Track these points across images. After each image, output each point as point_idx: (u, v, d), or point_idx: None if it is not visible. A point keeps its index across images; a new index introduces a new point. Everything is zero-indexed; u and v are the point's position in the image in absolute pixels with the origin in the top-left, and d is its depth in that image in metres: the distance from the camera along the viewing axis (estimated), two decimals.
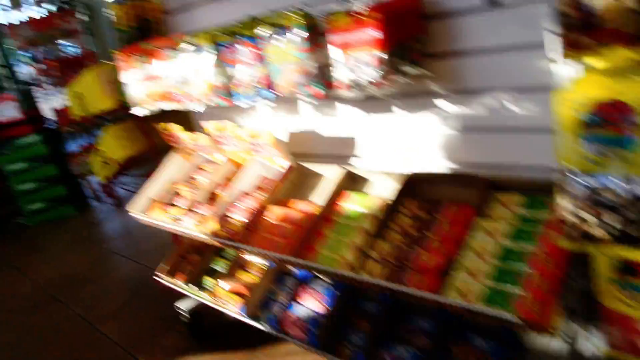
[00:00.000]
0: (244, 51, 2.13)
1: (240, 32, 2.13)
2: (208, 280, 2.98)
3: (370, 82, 1.81)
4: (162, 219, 2.83)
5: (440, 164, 2.16)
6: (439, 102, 2.05)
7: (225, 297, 2.75)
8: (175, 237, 3.70)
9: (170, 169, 3.25)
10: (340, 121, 2.47)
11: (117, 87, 3.29)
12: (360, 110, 2.36)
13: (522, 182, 1.89)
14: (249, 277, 2.82)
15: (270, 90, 2.13)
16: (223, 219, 2.56)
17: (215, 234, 2.48)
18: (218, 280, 2.87)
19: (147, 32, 3.00)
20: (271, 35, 2.01)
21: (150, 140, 3.53)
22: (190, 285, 2.99)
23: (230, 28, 2.18)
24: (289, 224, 2.33)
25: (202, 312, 3.20)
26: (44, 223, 6.53)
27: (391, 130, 2.27)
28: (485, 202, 1.91)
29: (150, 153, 3.71)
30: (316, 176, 2.60)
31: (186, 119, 3.30)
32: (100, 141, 3.71)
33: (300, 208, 2.41)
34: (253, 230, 2.42)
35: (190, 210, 2.77)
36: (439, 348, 2.09)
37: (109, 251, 5.29)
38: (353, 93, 1.91)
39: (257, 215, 2.48)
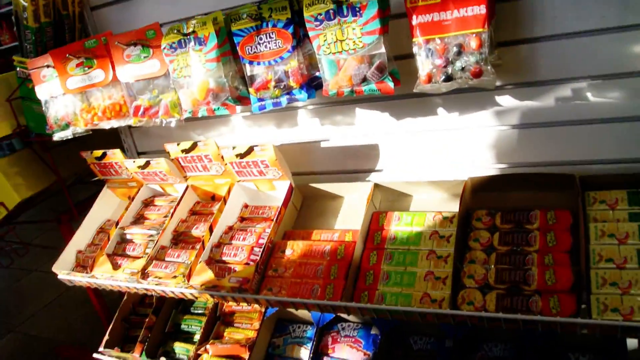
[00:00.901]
0: (270, 39, 1.61)
1: (264, 14, 1.61)
2: (180, 347, 2.30)
3: (466, 70, 1.44)
4: (117, 278, 2.10)
5: (500, 166, 1.87)
6: (502, 95, 1.76)
7: None
8: (95, 296, 2.91)
9: (102, 210, 2.50)
10: (361, 128, 2.05)
11: (12, 107, 2.45)
12: (391, 112, 1.97)
13: (612, 177, 1.67)
14: (240, 332, 2.23)
15: (309, 88, 1.64)
16: (219, 264, 1.96)
17: (216, 287, 1.87)
18: (199, 345, 2.22)
19: (63, 30, 2.26)
20: (323, 16, 1.53)
21: (56, 175, 2.70)
22: (146, 358, 2.28)
23: (247, 9, 1.64)
24: (321, 261, 1.84)
25: None
26: None
27: (435, 132, 1.92)
28: (579, 203, 1.65)
29: (52, 191, 2.87)
30: (330, 198, 2.13)
31: (110, 143, 2.58)
32: None
33: (330, 238, 1.92)
34: (271, 275, 1.87)
35: (156, 259, 2.09)
36: None
37: None
38: (435, 86, 1.52)
39: (271, 255, 1.93)
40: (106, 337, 2.42)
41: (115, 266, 2.15)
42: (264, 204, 2.17)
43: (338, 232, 1.94)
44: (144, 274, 2.04)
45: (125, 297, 2.53)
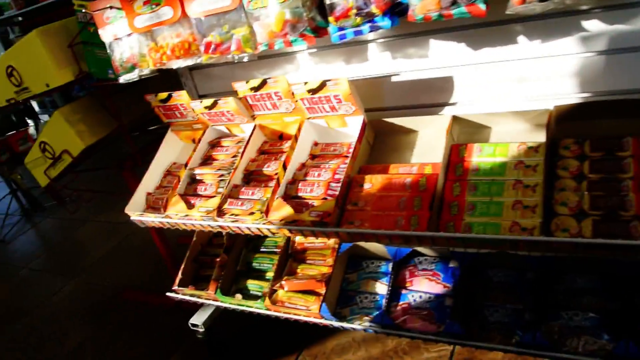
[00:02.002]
0: None
1: None
2: (253, 284, 2.35)
3: None
4: (192, 217, 2.13)
5: (584, 95, 1.80)
6: (588, 20, 1.67)
7: (292, 301, 2.16)
8: (160, 240, 2.97)
9: (167, 153, 2.52)
10: (435, 61, 1.99)
11: (74, 53, 2.44)
12: (468, 42, 1.89)
13: None
14: (314, 268, 2.26)
15: (393, 15, 1.57)
16: (295, 200, 1.96)
17: (296, 222, 1.87)
18: (274, 281, 2.25)
19: None
20: None
21: (118, 121, 2.71)
22: (221, 295, 2.33)
23: None
24: (402, 194, 1.82)
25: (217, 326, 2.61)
26: None
27: (515, 62, 1.85)
28: None
29: (114, 138, 2.89)
30: (404, 132, 2.09)
31: (169, 89, 2.57)
32: (44, 130, 2.79)
33: (408, 172, 1.90)
34: (351, 208, 1.87)
35: (231, 197, 2.10)
36: (620, 305, 1.75)
37: (34, 272, 4.25)
38: (530, 7, 1.44)
39: (349, 189, 1.92)
40: (179, 276, 2.48)
41: (189, 205, 2.18)
42: (334, 140, 2.15)
43: (416, 165, 1.91)
44: (220, 211, 2.06)
45: (194, 238, 2.57)
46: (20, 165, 4.99)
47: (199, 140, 2.37)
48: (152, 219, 2.27)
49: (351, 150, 2.06)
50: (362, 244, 2.20)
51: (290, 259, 2.33)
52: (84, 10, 2.23)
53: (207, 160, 2.36)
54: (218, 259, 2.42)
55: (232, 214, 2.03)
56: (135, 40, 2.15)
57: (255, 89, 2.10)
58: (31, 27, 2.56)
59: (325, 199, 1.92)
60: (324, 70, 2.23)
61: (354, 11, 1.62)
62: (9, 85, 2.66)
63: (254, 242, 2.50)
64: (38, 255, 4.54)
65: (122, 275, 3.73)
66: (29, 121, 6.93)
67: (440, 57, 1.98)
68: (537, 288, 1.88)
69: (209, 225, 2.11)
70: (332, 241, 2.26)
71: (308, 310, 2.10)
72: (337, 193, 1.89)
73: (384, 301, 2.05)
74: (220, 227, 2.09)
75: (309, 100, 2.03)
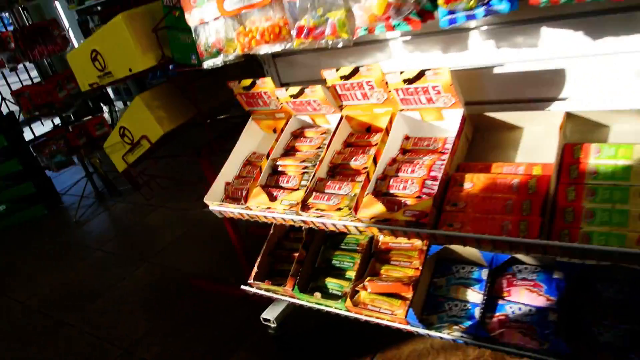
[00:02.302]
0: None
1: None
2: (332, 282, 2.24)
3: None
4: (274, 210, 2.04)
5: None
6: None
7: (376, 304, 2.04)
8: (233, 231, 2.91)
9: (247, 142, 2.44)
10: (544, 52, 1.80)
11: (158, 37, 2.40)
12: (586, 31, 1.70)
13: None
14: (399, 270, 2.12)
15: None
16: (386, 198, 1.83)
17: (388, 221, 1.74)
18: (356, 281, 2.14)
19: None
20: None
21: (197, 108, 2.66)
22: (299, 292, 2.23)
23: None
24: (509, 196, 1.65)
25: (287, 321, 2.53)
26: (11, 227, 5.38)
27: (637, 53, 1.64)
28: None
29: (191, 125, 2.85)
30: (507, 128, 1.92)
31: (249, 74, 2.49)
32: (124, 115, 2.78)
33: (514, 172, 1.73)
34: (450, 209, 1.72)
35: (316, 191, 2.00)
36: None
37: (106, 255, 4.33)
38: None
39: (447, 188, 1.77)
40: (255, 269, 2.41)
41: (271, 198, 2.09)
42: (428, 134, 2.01)
43: (523, 165, 1.74)
44: (304, 205, 1.96)
45: (272, 231, 2.49)
46: (97, 150, 5.12)
47: (282, 130, 2.28)
48: (232, 210, 2.21)
49: (448, 145, 1.92)
50: (453, 247, 2.05)
51: (373, 259, 2.21)
52: None
53: (289, 151, 2.27)
54: (296, 254, 2.33)
55: (317, 209, 1.93)
56: (221, 25, 2.07)
57: (346, 77, 1.98)
58: (110, 16, 2.55)
59: (420, 197, 1.78)
60: (418, 59, 2.09)
61: None
62: (92, 69, 2.66)
63: (334, 238, 2.39)
64: (110, 238, 4.63)
65: (191, 262, 3.72)
66: (104, 107, 7.12)
67: (552, 48, 1.79)
68: None
69: (291, 219, 2.01)
70: (419, 242, 2.11)
71: (393, 314, 1.97)
72: (434, 192, 1.75)
73: (477, 310, 1.90)
74: (304, 222, 1.99)
75: (404, 91, 1.89)
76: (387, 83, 1.91)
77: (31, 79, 5.66)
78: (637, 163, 1.56)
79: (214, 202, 2.27)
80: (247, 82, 2.26)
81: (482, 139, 1.95)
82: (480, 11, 1.48)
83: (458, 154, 1.87)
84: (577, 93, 1.83)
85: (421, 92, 1.86)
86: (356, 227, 1.86)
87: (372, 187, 1.87)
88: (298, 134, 2.31)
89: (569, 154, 1.68)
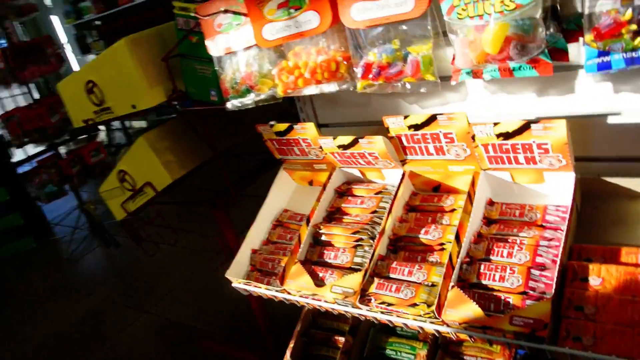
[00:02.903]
0: None
1: None
2: None
3: None
4: (322, 297, 1.58)
5: None
6: None
7: None
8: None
9: (278, 198, 1.99)
10: None
11: (169, 67, 1.94)
12: None
13: None
14: None
15: None
16: (477, 291, 1.38)
17: (487, 330, 1.29)
18: None
19: None
20: None
21: (212, 150, 2.21)
22: None
23: None
24: None
25: None
26: None
27: None
28: None
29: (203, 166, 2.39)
30: (630, 196, 1.48)
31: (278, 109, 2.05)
32: (124, 157, 2.32)
33: None
34: (575, 316, 1.27)
35: (377, 276, 1.54)
36: None
37: (103, 300, 3.83)
38: None
39: (565, 283, 1.32)
40: (288, 357, 1.94)
41: (315, 278, 1.63)
42: (518, 200, 1.56)
43: None
44: (364, 296, 1.50)
45: (306, 308, 2.03)
46: (92, 179, 4.63)
47: (324, 187, 1.82)
48: (263, 292, 1.74)
49: (549, 217, 1.48)
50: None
51: (441, 351, 1.75)
52: (192, 14, 1.72)
53: (334, 214, 1.82)
54: (338, 338, 1.87)
55: (381, 302, 1.47)
56: (255, 56, 1.63)
57: (417, 127, 1.54)
58: (109, 32, 2.09)
59: (525, 293, 1.33)
60: (501, 103, 1.65)
61: (633, 27, 1.02)
62: (88, 103, 2.20)
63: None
64: (105, 280, 4.14)
65: (198, 314, 3.24)
66: (100, 126, 6.63)
67: None
68: None
69: (345, 311, 1.55)
70: None
71: None
72: (544, 287, 1.30)
73: None
74: (362, 315, 1.54)
75: (496, 147, 1.45)
76: (473, 137, 1.46)
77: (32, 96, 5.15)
78: None
79: (239, 278, 1.80)
80: (282, 126, 1.81)
81: (594, 210, 1.50)
82: None
83: (571, 232, 1.42)
84: None
85: (521, 151, 1.42)
86: (438, 331, 1.41)
87: (457, 275, 1.42)
88: (344, 191, 1.86)
89: None
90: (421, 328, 1.44)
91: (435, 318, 1.36)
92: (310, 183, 2.02)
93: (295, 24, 1.43)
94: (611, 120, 1.51)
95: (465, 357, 1.72)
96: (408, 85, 1.36)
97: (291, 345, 1.96)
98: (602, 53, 1.07)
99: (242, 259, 1.87)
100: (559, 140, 1.33)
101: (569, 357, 1.24)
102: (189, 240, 3.87)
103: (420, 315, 1.39)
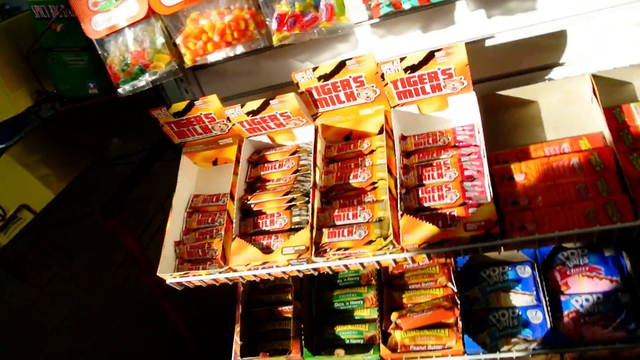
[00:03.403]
0: None
1: None
2: (345, 331, 1.82)
3: None
4: (277, 263, 1.55)
5: None
6: None
7: (420, 342, 1.68)
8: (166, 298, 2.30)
9: (186, 186, 1.88)
10: (540, 15, 1.62)
11: (31, 65, 1.70)
12: None
13: None
14: (424, 294, 1.79)
15: None
16: (426, 214, 1.48)
17: (447, 242, 1.39)
18: (381, 321, 1.75)
19: None
20: None
21: (94, 152, 2.00)
22: (313, 356, 1.77)
23: None
24: (576, 179, 1.42)
25: None
26: None
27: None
28: None
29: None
30: (519, 105, 1.69)
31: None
32: None
33: (558, 152, 1.51)
34: (513, 209, 1.43)
35: (325, 227, 1.56)
36: None
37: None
38: None
39: (496, 186, 1.48)
40: (237, 341, 1.86)
41: (264, 249, 1.59)
42: (426, 129, 1.70)
43: (566, 141, 1.52)
44: (319, 248, 1.51)
45: (241, 288, 1.96)
46: None
47: (238, 158, 1.77)
48: (204, 278, 1.65)
49: (460, 137, 1.63)
50: None
51: (386, 288, 1.84)
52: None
53: (255, 184, 1.78)
54: (283, 309, 1.86)
55: (338, 249, 1.49)
56: (143, 31, 1.51)
57: (327, 76, 1.57)
58: None
59: (464, 204, 1.46)
60: (392, 44, 1.76)
61: None
62: None
63: (323, 277, 1.95)
64: None
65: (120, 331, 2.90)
66: None
67: (547, 10, 1.62)
68: None
69: (302, 270, 1.55)
70: None
71: (445, 348, 1.64)
72: (482, 194, 1.45)
73: (531, 314, 1.65)
74: (316, 270, 1.55)
75: (405, 82, 1.56)
76: (382, 75, 1.54)
77: None
78: None
79: (170, 273, 1.67)
80: (179, 106, 1.70)
81: (495, 121, 1.69)
82: None
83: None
84: (575, 56, 1.68)
85: (427, 80, 1.54)
86: (406, 259, 1.48)
87: (402, 205, 1.50)
88: (257, 160, 1.83)
89: (611, 119, 1.50)
90: (378, 263, 1.50)
91: (394, 247, 1.43)
92: (215, 162, 1.94)
93: None
94: (488, 42, 1.71)
95: (410, 286, 1.83)
96: (324, 30, 1.38)
97: (237, 329, 1.88)
98: None
99: (168, 253, 1.73)
100: (460, 62, 1.47)
101: (518, 245, 1.40)
102: (83, 260, 3.43)
103: (380, 249, 1.45)
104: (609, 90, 1.61)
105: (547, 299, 1.62)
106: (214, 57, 1.45)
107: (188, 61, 1.47)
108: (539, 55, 1.71)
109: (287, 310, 1.86)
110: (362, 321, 1.82)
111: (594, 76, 1.57)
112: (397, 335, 1.70)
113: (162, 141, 2.28)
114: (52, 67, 1.70)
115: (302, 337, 1.78)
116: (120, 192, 2.07)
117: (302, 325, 1.81)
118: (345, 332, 1.81)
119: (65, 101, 1.76)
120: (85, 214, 2.09)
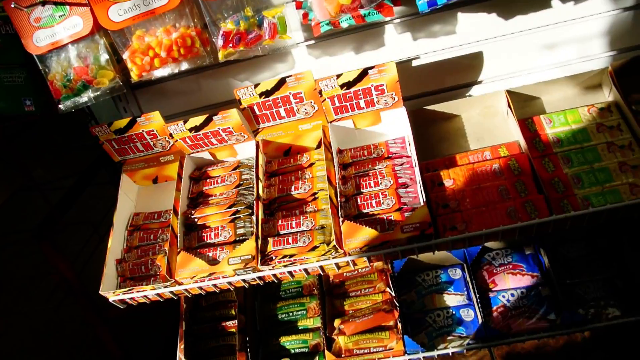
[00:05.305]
0: None
1: None
2: (290, 341, 1.86)
3: None
4: (223, 273, 1.58)
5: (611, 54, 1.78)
6: None
7: (362, 345, 1.76)
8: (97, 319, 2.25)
9: (125, 204, 1.87)
10: (460, 38, 1.80)
11: None
12: (499, 12, 1.74)
13: None
14: (364, 300, 1.87)
15: None
16: (365, 219, 1.58)
17: (385, 244, 1.49)
18: (325, 329, 1.81)
19: None
20: None
21: (24, 173, 1.96)
22: None
23: None
24: (498, 182, 1.58)
25: None
26: None
27: (544, 30, 1.76)
28: None
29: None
30: (444, 119, 1.85)
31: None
32: None
33: (481, 159, 1.67)
34: (444, 212, 1.56)
35: (270, 236, 1.61)
36: None
37: None
38: None
39: (427, 191, 1.61)
40: (181, 359, 1.85)
41: (209, 261, 1.62)
42: (367, 142, 1.81)
43: (487, 150, 1.68)
44: (265, 257, 1.56)
45: (184, 305, 1.95)
46: None
47: (179, 175, 1.80)
48: (150, 293, 1.64)
49: (393, 149, 1.76)
50: (422, 255, 1.89)
51: (328, 297, 1.90)
52: None
53: (197, 199, 1.80)
54: (228, 324, 1.87)
55: (283, 256, 1.55)
56: (88, 46, 1.53)
57: (268, 93, 1.65)
58: None
59: (400, 209, 1.57)
60: (327, 64, 1.88)
61: None
62: None
63: (264, 289, 1.99)
64: None
65: None
66: None
67: (466, 34, 1.80)
68: (619, 253, 1.79)
69: (248, 279, 1.59)
70: (379, 263, 1.90)
71: (387, 349, 1.72)
72: (415, 199, 1.57)
73: (464, 313, 1.78)
74: (260, 278, 1.59)
75: (341, 97, 1.67)
76: (320, 92, 1.65)
77: None
78: (589, 124, 1.64)
79: (113, 290, 1.65)
80: (121, 123, 1.71)
81: (424, 134, 1.83)
82: None
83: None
84: (490, 75, 1.87)
85: (361, 96, 1.66)
86: (350, 262, 1.55)
87: (343, 212, 1.59)
88: (199, 176, 1.86)
89: (524, 128, 1.68)
90: (321, 268, 1.57)
91: (337, 252, 1.51)
92: (155, 180, 1.95)
93: (144, 2, 1.40)
94: (415, 63, 1.86)
95: (350, 294, 1.90)
96: (267, 47, 1.46)
97: (181, 346, 1.87)
98: None
99: (109, 272, 1.71)
100: (391, 79, 1.61)
101: (450, 244, 1.52)
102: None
103: (324, 254, 1.52)
104: (522, 104, 1.80)
105: (477, 296, 1.75)
106: (159, 72, 1.49)
107: (135, 76, 1.50)
108: (460, 74, 1.88)
109: (231, 325, 1.88)
110: (306, 330, 1.87)
111: (509, 92, 1.75)
112: (340, 341, 1.76)
113: (95, 164, 2.26)
114: None
115: (248, 351, 1.80)
116: (53, 214, 2.01)
117: (247, 339, 1.83)
118: (289, 342, 1.84)
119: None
120: (8, 241, 2.00)
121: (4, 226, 2.29)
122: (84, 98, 1.57)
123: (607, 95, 1.74)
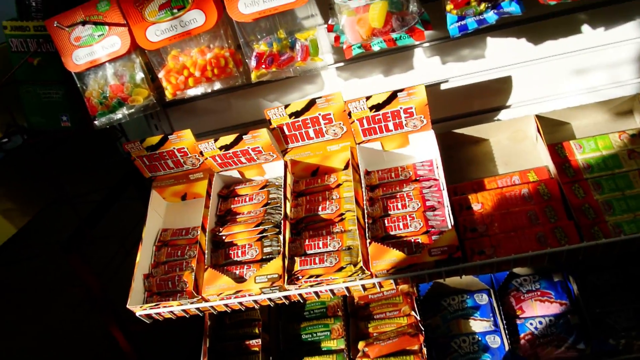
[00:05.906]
0: None
1: None
2: None
3: None
4: (249, 291, 1.59)
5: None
6: None
7: None
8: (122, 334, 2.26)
9: (154, 220, 1.90)
10: (489, 62, 1.80)
11: None
12: (528, 37, 1.75)
13: None
14: (389, 323, 1.86)
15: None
16: (392, 241, 1.57)
17: (413, 267, 1.48)
18: (349, 352, 1.80)
19: None
20: None
21: (58, 187, 2.00)
22: None
23: None
24: (527, 207, 1.56)
25: None
26: None
27: (575, 54, 1.76)
28: None
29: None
30: (473, 143, 1.85)
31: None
32: None
33: (509, 183, 1.66)
34: (472, 236, 1.55)
35: (297, 255, 1.62)
36: None
37: None
38: None
39: (456, 215, 1.60)
40: None
41: (237, 278, 1.63)
42: (388, 165, 1.81)
43: (516, 174, 1.67)
44: (291, 276, 1.56)
45: (208, 322, 1.96)
46: None
47: (208, 192, 1.82)
48: (176, 309, 1.65)
49: (421, 172, 1.75)
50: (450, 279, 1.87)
51: (353, 319, 1.89)
52: (31, 32, 1.57)
53: (225, 217, 1.82)
54: (251, 342, 1.87)
55: (310, 276, 1.55)
56: (122, 67, 1.58)
57: (297, 114, 1.68)
58: None
59: (427, 232, 1.57)
60: (357, 86, 1.90)
61: None
62: None
63: (289, 309, 1.99)
64: None
65: None
66: None
67: (495, 58, 1.81)
68: None
69: (274, 298, 1.59)
70: (405, 286, 1.89)
71: None
72: (443, 222, 1.56)
73: (490, 339, 1.75)
74: (286, 297, 1.59)
75: (370, 119, 1.68)
76: (349, 114, 1.66)
77: None
78: (620, 150, 1.62)
79: (140, 305, 1.67)
80: (154, 140, 1.75)
81: (451, 157, 1.83)
82: (491, 15, 1.37)
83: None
84: (519, 99, 1.87)
85: (390, 118, 1.67)
86: (376, 284, 1.55)
87: (369, 234, 1.59)
88: (227, 194, 1.88)
89: (554, 154, 1.67)
90: (347, 289, 1.56)
91: (364, 273, 1.51)
92: (184, 197, 1.97)
93: (181, 24, 1.44)
94: (443, 86, 1.88)
95: (375, 316, 1.89)
96: (299, 68, 1.49)
97: None
98: (460, 18, 1.38)
99: (137, 286, 1.73)
100: (420, 102, 1.61)
101: (479, 269, 1.51)
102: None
103: (350, 275, 1.52)
104: (551, 129, 1.79)
105: (504, 323, 1.73)
106: (193, 91, 1.53)
107: (169, 94, 1.53)
108: (489, 98, 1.88)
109: (255, 343, 1.88)
110: (330, 352, 1.86)
111: (538, 116, 1.75)
112: None
113: (124, 179, 2.30)
114: (25, 100, 1.72)
115: None
116: (82, 227, 2.05)
117: (271, 358, 1.82)
118: None
119: (36, 134, 1.77)
120: (33, 254, 2.04)
121: (31, 239, 2.33)
122: (119, 115, 1.61)
123: (638, 121, 1.72)
